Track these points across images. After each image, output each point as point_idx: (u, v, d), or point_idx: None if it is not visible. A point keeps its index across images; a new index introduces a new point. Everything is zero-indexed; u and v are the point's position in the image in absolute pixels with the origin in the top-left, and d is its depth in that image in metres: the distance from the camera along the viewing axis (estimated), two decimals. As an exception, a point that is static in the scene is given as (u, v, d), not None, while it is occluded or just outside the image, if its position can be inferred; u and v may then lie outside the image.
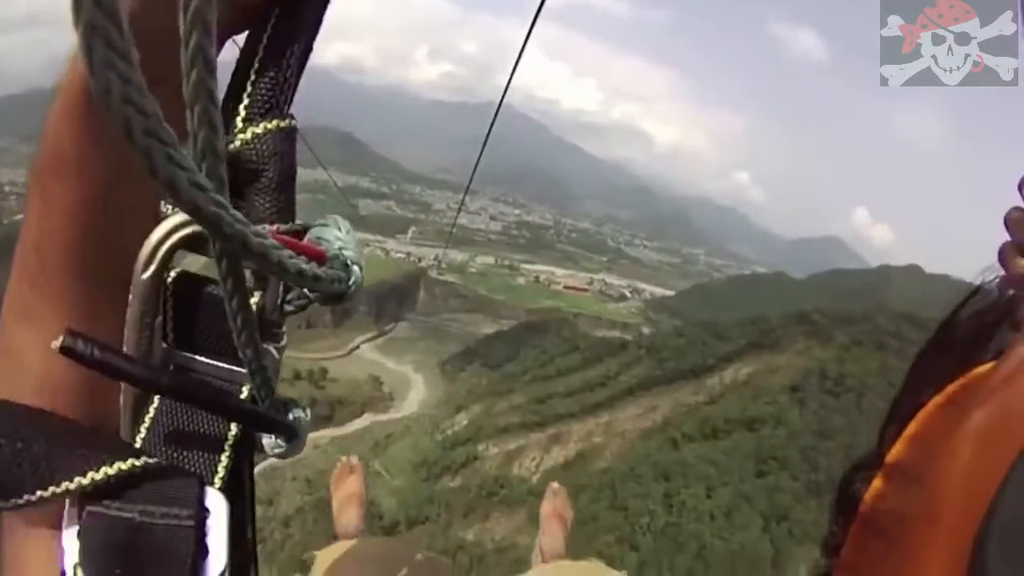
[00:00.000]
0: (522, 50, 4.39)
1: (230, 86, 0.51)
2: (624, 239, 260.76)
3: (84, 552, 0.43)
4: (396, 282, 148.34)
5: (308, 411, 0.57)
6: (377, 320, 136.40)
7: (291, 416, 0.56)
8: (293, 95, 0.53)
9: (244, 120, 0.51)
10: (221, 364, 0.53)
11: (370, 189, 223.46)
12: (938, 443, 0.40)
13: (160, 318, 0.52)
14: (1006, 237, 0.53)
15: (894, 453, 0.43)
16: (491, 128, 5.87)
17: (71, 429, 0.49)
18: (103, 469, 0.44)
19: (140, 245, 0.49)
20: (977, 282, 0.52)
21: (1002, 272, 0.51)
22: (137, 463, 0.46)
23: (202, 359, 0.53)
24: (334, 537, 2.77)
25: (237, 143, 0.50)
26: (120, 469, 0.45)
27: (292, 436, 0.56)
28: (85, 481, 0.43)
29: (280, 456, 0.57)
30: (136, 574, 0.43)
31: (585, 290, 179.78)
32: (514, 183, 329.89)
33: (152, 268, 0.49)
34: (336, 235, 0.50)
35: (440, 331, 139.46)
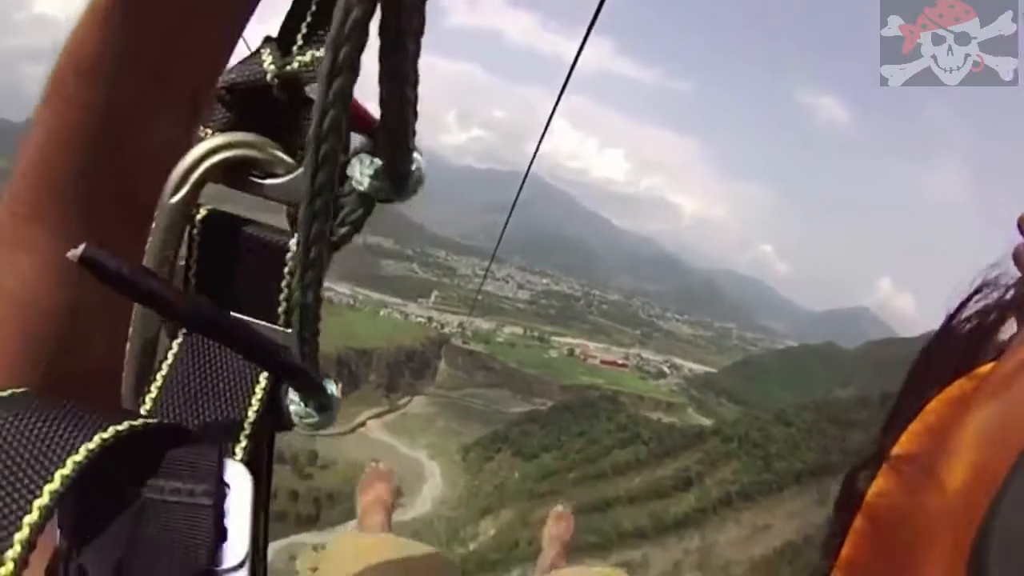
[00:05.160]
0: (549, 120, 4.73)
1: (289, 13, 0.47)
2: (656, 312, 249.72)
3: (76, 539, 0.33)
4: (414, 348, 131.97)
5: (340, 386, 0.48)
6: (388, 393, 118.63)
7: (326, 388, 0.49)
8: None
9: (304, 41, 0.46)
10: (251, 319, 0.45)
11: (393, 250, 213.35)
12: (940, 442, 0.39)
13: (184, 260, 0.45)
14: None
15: (896, 452, 0.43)
16: (517, 197, 6.53)
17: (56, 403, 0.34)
18: (97, 436, 0.32)
19: (157, 171, 0.44)
20: (979, 280, 0.51)
21: (1010, 271, 0.51)
22: (138, 425, 0.34)
23: (229, 312, 0.45)
24: None
25: (295, 65, 0.46)
26: (118, 433, 0.33)
27: (324, 407, 0.47)
28: (79, 457, 0.31)
29: (309, 427, 0.48)
30: (141, 565, 0.32)
31: (624, 365, 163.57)
32: (541, 252, 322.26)
33: (183, 192, 0.44)
34: None
35: (463, 409, 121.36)
